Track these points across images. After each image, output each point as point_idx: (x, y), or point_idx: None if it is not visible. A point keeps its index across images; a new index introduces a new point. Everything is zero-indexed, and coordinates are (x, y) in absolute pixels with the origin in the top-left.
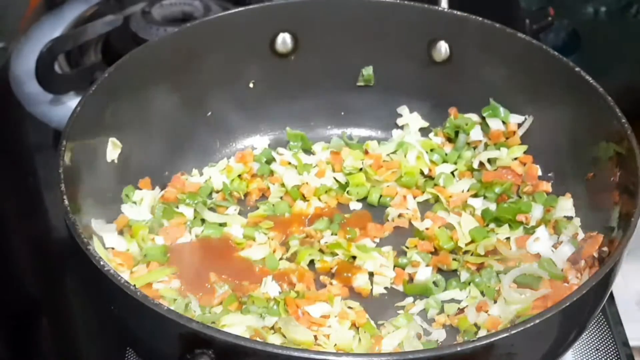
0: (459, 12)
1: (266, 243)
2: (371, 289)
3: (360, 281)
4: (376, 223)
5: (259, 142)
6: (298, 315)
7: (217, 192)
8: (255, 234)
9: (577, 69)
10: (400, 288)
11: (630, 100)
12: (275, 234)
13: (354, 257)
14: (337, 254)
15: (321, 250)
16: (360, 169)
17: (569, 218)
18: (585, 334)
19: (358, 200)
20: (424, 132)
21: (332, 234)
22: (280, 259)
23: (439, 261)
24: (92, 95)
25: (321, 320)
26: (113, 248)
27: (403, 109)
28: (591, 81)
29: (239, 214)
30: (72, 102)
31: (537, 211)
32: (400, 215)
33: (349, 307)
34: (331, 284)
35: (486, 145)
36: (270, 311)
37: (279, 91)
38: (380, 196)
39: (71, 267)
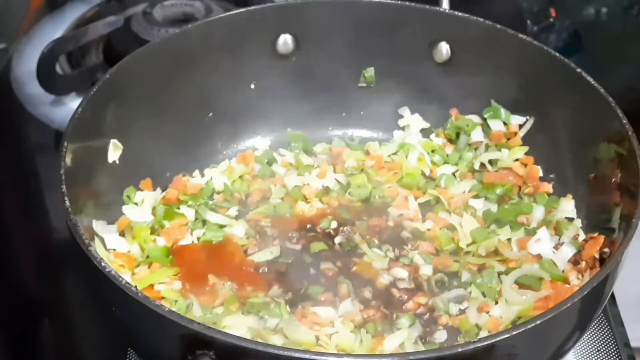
0: (460, 13)
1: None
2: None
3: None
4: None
5: (260, 143)
6: (302, 315)
7: (219, 193)
8: (257, 234)
9: (579, 69)
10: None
11: (632, 100)
12: (278, 231)
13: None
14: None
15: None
16: (362, 170)
17: (570, 219)
18: (586, 334)
19: (359, 201)
20: (425, 133)
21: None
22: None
23: (440, 263)
24: (94, 96)
25: (326, 321)
26: (114, 249)
27: (404, 110)
28: (592, 82)
29: (240, 215)
30: (73, 103)
31: (538, 212)
32: (401, 216)
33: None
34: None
35: (487, 147)
36: (272, 313)
37: (280, 92)
38: (382, 197)
39: (72, 268)
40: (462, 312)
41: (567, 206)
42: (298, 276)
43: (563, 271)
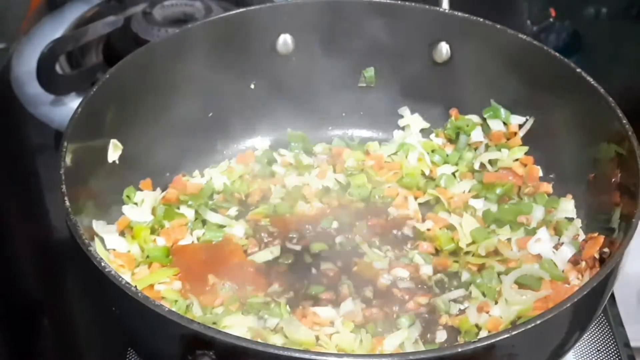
0: (460, 13)
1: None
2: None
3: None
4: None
5: (260, 143)
6: (302, 315)
7: (218, 193)
8: (257, 234)
9: (578, 69)
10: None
11: (631, 100)
12: (278, 231)
13: None
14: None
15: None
16: (362, 170)
17: (570, 219)
18: (586, 334)
19: (359, 201)
20: (425, 133)
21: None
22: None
23: (440, 263)
24: (93, 96)
25: (326, 321)
26: (114, 249)
27: (404, 110)
28: (592, 82)
29: (240, 215)
30: (73, 103)
31: (538, 212)
32: (401, 216)
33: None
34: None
35: (487, 147)
36: (272, 312)
37: (280, 92)
38: (382, 197)
39: (72, 268)
40: (462, 312)
41: (567, 206)
42: (298, 276)
43: (563, 271)
